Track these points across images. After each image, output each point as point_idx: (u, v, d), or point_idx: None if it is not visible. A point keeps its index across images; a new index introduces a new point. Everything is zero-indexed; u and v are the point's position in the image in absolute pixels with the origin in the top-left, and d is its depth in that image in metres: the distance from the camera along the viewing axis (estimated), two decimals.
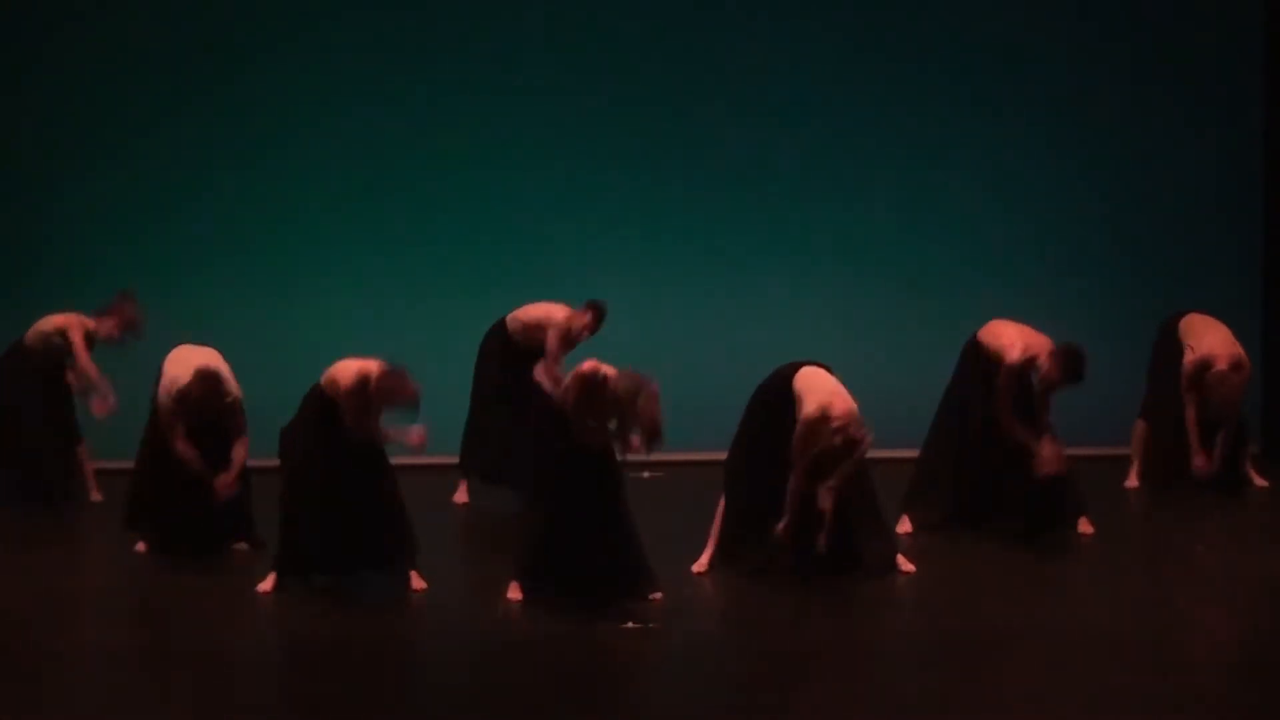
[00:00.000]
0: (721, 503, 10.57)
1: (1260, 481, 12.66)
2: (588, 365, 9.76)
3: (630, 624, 9.48)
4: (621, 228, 13.90)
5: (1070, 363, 10.88)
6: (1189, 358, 11.95)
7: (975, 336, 11.41)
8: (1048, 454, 10.87)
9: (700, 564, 10.53)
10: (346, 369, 10.06)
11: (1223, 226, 12.91)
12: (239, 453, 10.65)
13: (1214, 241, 13.34)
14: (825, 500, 10.02)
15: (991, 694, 8.48)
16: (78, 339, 12.16)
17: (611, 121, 13.95)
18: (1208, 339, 11.96)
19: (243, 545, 11.09)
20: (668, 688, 8.82)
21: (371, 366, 10.01)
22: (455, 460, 12.61)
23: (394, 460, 10.37)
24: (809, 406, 9.96)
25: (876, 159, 13.96)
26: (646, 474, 12.98)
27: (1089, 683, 8.57)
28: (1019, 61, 13.98)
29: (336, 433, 10.09)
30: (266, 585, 10.17)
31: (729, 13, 13.97)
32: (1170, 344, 12.41)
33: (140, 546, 11.14)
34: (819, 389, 10.05)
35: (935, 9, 14.00)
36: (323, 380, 10.16)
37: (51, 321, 12.32)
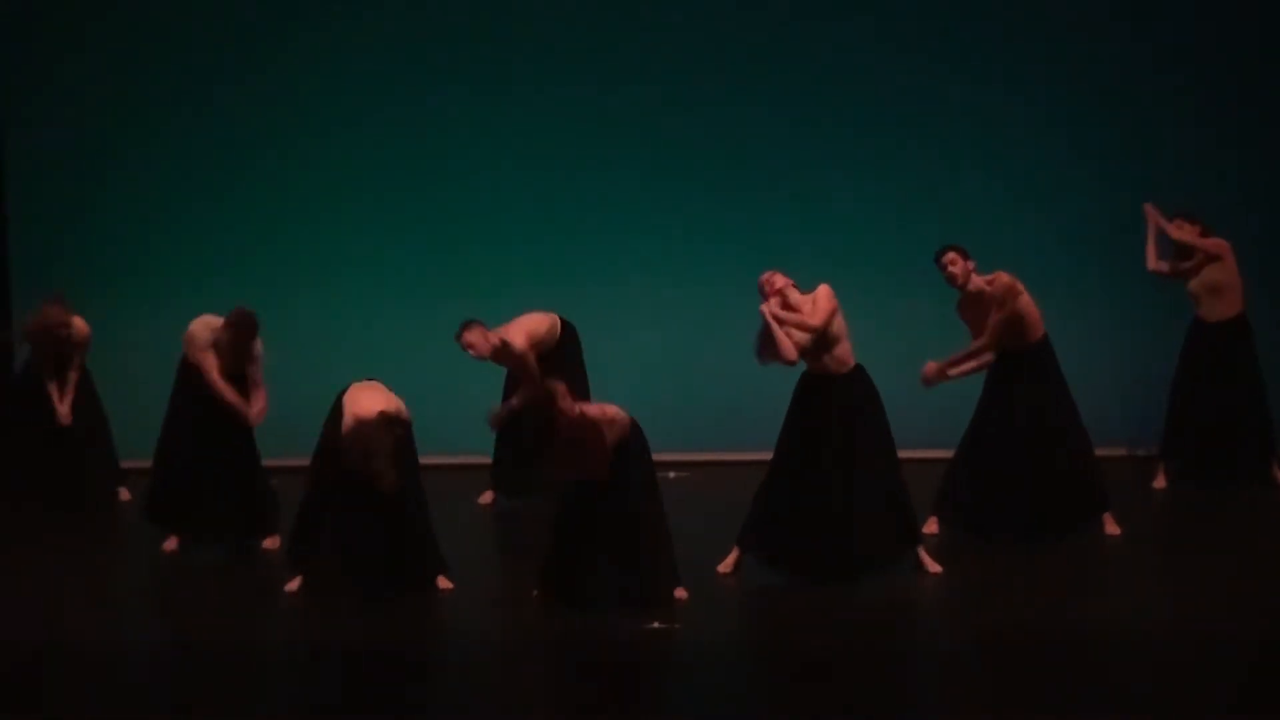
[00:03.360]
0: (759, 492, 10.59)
1: None
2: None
3: (655, 624, 9.49)
4: (645, 230, 13.90)
5: None
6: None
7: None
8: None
9: (726, 564, 10.54)
10: (361, 403, 9.90)
11: (1251, 229, 12.85)
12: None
13: (1242, 243, 13.25)
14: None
15: (1017, 695, 8.45)
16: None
17: (628, 123, 13.95)
18: None
19: (270, 543, 11.18)
20: (691, 688, 8.81)
21: (378, 406, 9.84)
22: (480, 460, 12.62)
23: (422, 459, 10.37)
24: None
25: (897, 162, 13.94)
26: (673, 474, 12.99)
27: (1115, 684, 8.55)
28: (1040, 64, 13.95)
29: None
30: (293, 585, 10.20)
31: (745, 14, 13.98)
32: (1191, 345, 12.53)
33: (168, 546, 11.19)
34: None
35: (956, 8, 14.01)
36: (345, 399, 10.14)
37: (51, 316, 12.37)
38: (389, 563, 10.06)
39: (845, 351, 10.44)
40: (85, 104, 13.79)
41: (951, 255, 11.12)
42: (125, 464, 12.72)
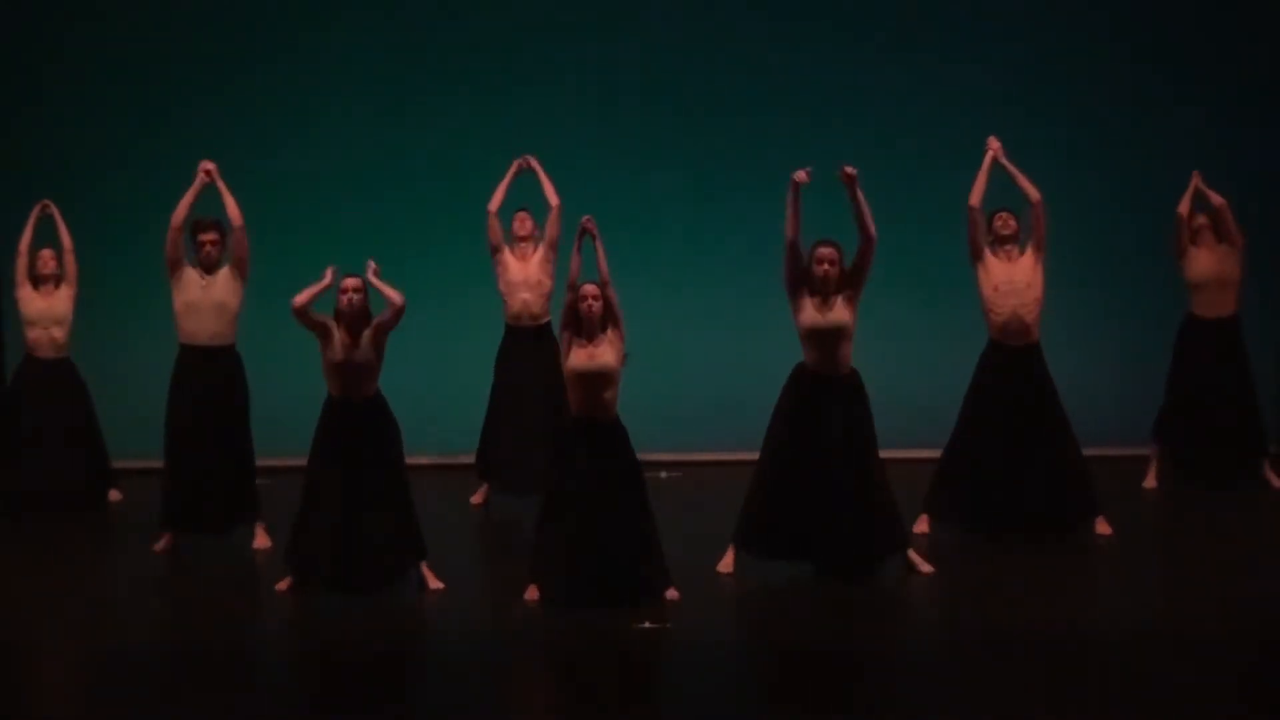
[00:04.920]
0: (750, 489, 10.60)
1: (1278, 483, 12.64)
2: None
3: (646, 624, 9.49)
4: (640, 229, 13.89)
5: None
6: None
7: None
8: None
9: (725, 564, 10.53)
10: None
11: (1246, 228, 12.83)
12: None
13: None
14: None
15: (1009, 695, 8.46)
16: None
17: (626, 120, 13.95)
18: None
19: (260, 543, 11.19)
20: (684, 688, 8.81)
21: None
22: (471, 460, 12.61)
23: (410, 460, 10.37)
24: None
25: (895, 162, 13.95)
26: (665, 474, 12.99)
27: (1105, 684, 8.56)
28: (1041, 65, 13.97)
29: (349, 437, 10.13)
30: (283, 585, 10.20)
31: (752, 14, 13.99)
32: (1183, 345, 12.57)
33: (159, 546, 11.18)
34: None
35: (961, 10, 14.02)
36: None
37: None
38: (376, 552, 10.09)
39: (849, 352, 10.46)
40: (78, 97, 13.81)
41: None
42: (116, 464, 12.74)
